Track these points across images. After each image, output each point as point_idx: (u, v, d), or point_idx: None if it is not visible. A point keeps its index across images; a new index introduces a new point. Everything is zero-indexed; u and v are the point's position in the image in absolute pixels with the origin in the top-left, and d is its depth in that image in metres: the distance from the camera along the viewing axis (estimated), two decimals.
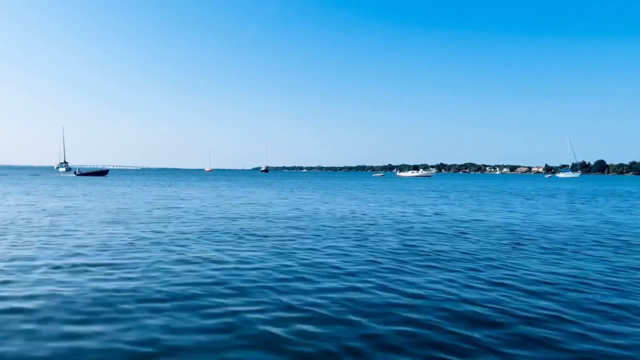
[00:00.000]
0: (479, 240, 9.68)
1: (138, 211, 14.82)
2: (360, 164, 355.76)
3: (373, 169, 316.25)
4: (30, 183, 36.08)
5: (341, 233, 10.47)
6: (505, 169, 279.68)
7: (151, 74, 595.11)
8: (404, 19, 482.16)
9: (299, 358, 3.60)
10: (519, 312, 4.73)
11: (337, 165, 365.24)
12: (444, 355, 3.67)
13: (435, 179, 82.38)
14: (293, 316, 4.51)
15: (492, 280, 6.12)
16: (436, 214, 15.63)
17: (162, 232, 10.06)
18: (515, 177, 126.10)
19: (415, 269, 6.76)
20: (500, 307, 4.89)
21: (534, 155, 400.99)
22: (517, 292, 5.51)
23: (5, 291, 5.22)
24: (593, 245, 9.25)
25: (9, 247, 8.03)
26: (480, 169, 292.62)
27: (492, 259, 7.56)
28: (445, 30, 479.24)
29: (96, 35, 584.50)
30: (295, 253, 7.87)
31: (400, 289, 5.60)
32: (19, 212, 13.98)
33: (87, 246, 8.17)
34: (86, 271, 6.25)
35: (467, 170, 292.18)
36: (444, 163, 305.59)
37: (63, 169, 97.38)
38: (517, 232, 11.09)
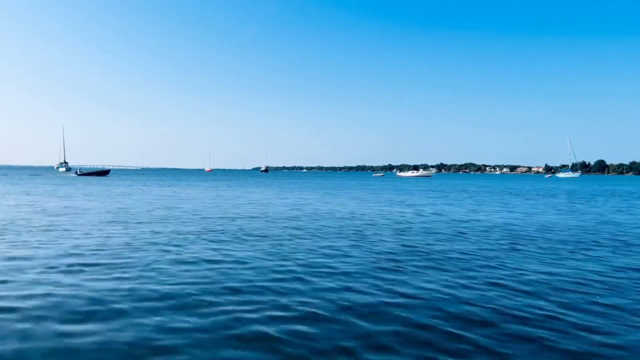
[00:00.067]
0: (478, 240, 9.67)
1: (137, 211, 14.82)
2: (360, 164, 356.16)
3: (373, 169, 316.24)
4: (31, 183, 36.09)
5: (340, 233, 10.47)
6: (505, 169, 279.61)
7: (151, 74, 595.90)
8: (404, 19, 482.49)
9: (295, 358, 3.59)
10: (516, 313, 4.72)
11: (337, 165, 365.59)
12: (440, 356, 3.66)
13: (435, 179, 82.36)
14: (289, 316, 4.50)
15: (490, 280, 6.10)
16: (435, 214, 15.62)
17: (161, 232, 10.05)
18: (515, 177, 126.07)
19: (413, 269, 6.75)
20: (498, 308, 4.87)
21: (534, 155, 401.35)
22: (515, 292, 5.49)
23: (1, 290, 5.21)
24: (592, 245, 9.23)
25: (7, 246, 8.02)
26: (480, 169, 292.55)
27: (490, 259, 7.55)
28: (445, 30, 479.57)
29: (96, 35, 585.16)
30: (293, 253, 7.86)
31: (397, 289, 5.59)
32: (18, 212, 13.97)
33: (84, 246, 8.17)
34: (83, 271, 6.24)
35: (467, 170, 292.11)
36: (444, 163, 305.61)
37: (63, 169, 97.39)
38: (516, 232, 11.08)
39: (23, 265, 6.52)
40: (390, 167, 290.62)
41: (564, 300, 5.21)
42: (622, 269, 6.91)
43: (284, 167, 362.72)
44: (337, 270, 6.54)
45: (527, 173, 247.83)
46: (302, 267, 6.71)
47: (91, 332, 4.01)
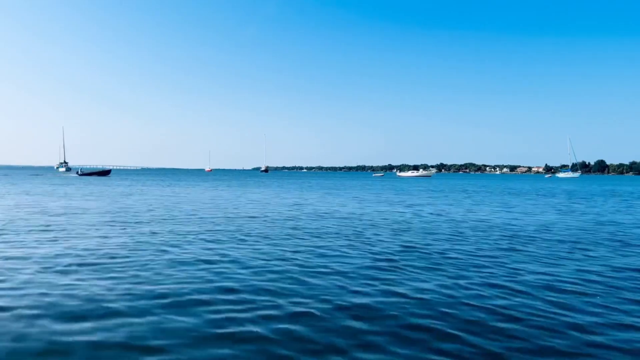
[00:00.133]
0: (476, 240, 9.66)
1: (137, 211, 14.81)
2: (360, 164, 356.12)
3: (373, 169, 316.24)
4: (30, 183, 36.10)
5: (338, 233, 10.46)
6: (505, 169, 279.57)
7: (151, 74, 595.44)
8: (404, 19, 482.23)
9: (286, 358, 3.58)
10: (512, 313, 4.70)
11: (337, 165, 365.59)
12: (435, 357, 3.65)
13: (435, 179, 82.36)
14: (283, 316, 4.49)
15: (487, 280, 6.09)
16: (434, 214, 15.61)
17: (160, 232, 10.05)
18: (515, 177, 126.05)
19: (411, 269, 6.74)
20: (494, 308, 4.86)
21: (534, 155, 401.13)
22: (512, 293, 5.48)
23: None
24: (591, 245, 9.22)
25: (5, 246, 8.01)
26: (480, 169, 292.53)
27: (488, 259, 7.54)
28: (445, 30, 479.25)
29: (96, 35, 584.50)
30: (291, 253, 7.85)
31: (394, 289, 5.58)
32: (17, 212, 13.97)
33: (82, 246, 8.16)
34: (79, 271, 6.24)
35: (467, 170, 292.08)
36: (444, 163, 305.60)
37: (63, 169, 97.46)
38: (515, 232, 11.07)
39: (19, 265, 6.51)
40: (390, 167, 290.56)
41: (560, 300, 5.20)
42: (621, 269, 6.90)
43: (284, 167, 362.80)
44: (334, 271, 6.53)
45: (527, 173, 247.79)
46: (299, 268, 6.70)
47: (85, 331, 4.00)
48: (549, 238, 10.08)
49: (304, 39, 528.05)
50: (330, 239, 9.47)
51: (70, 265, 6.60)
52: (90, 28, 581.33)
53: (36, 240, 8.66)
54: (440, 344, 3.88)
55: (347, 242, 9.10)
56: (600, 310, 4.83)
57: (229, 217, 13.36)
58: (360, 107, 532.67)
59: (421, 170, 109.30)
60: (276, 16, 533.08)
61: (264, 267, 6.65)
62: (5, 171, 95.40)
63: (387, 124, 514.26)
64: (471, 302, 5.04)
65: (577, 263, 7.33)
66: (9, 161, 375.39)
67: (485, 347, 3.83)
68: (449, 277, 6.22)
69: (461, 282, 5.98)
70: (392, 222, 12.93)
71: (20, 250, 7.70)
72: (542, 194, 30.60)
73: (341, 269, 6.66)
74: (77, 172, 61.87)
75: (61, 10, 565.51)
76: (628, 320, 4.55)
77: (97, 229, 10.36)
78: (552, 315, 4.64)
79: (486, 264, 7.17)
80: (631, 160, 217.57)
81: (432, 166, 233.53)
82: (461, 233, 10.73)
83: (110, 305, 4.74)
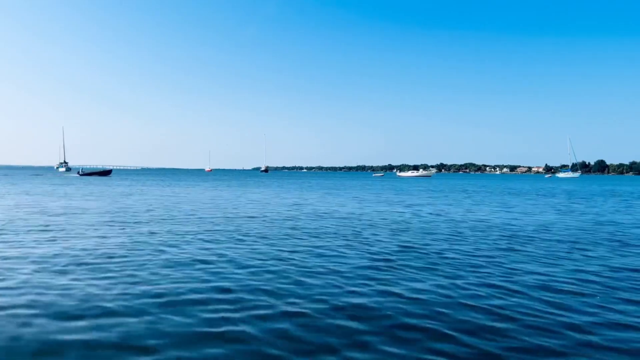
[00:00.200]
0: (475, 240, 9.65)
1: (136, 211, 14.81)
2: (360, 164, 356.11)
3: (373, 169, 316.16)
4: (30, 183, 36.10)
5: (337, 233, 10.45)
6: (505, 169, 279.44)
7: (151, 74, 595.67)
8: (404, 19, 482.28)
9: (280, 358, 3.58)
10: (509, 313, 4.70)
11: (337, 165, 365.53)
12: (431, 356, 3.65)
13: (435, 179, 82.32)
14: (278, 316, 4.48)
15: (484, 280, 6.08)
16: (434, 214, 15.61)
17: (158, 233, 10.05)
18: (515, 177, 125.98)
19: (408, 269, 6.74)
20: (491, 308, 4.85)
21: (534, 155, 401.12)
22: (509, 293, 5.48)
23: None
24: (590, 245, 9.21)
25: (4, 246, 8.01)
26: (480, 169, 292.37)
27: (487, 259, 7.53)
28: (445, 30, 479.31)
29: (96, 35, 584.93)
30: (289, 253, 7.85)
31: (390, 289, 5.58)
32: (17, 211, 13.97)
33: (81, 246, 8.16)
34: (76, 271, 6.23)
35: (467, 170, 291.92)
36: (444, 163, 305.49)
37: (63, 169, 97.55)
38: (514, 232, 11.06)
39: (17, 265, 6.51)
40: (390, 167, 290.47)
41: (557, 300, 5.20)
42: (619, 269, 6.89)
43: (284, 167, 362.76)
44: (331, 271, 6.53)
45: (527, 173, 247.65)
46: (296, 268, 6.70)
47: (81, 331, 4.00)
48: (548, 238, 10.07)
49: (304, 39, 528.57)
50: (328, 239, 9.47)
51: (67, 265, 6.59)
52: (90, 28, 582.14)
53: (35, 240, 8.66)
54: (435, 344, 3.87)
55: (346, 242, 9.10)
56: (596, 310, 4.83)
57: (228, 217, 13.35)
58: (360, 107, 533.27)
59: (421, 170, 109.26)
60: (276, 16, 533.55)
61: (261, 267, 6.65)
62: (5, 171, 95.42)
63: (387, 124, 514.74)
64: (467, 302, 5.04)
65: (576, 263, 7.33)
66: (9, 161, 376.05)
67: (481, 347, 3.82)
68: (446, 277, 6.21)
69: (458, 282, 5.97)
70: (391, 222, 12.93)
71: (19, 250, 7.70)
72: (542, 194, 30.58)
73: (338, 269, 6.66)
74: (78, 172, 61.87)
75: (61, 10, 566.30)
76: (625, 320, 4.55)
77: (96, 229, 10.36)
78: (548, 315, 4.64)
79: (484, 264, 7.17)
80: (631, 160, 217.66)
81: (432, 166, 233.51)
82: (460, 233, 10.72)
83: (106, 305, 4.74)
